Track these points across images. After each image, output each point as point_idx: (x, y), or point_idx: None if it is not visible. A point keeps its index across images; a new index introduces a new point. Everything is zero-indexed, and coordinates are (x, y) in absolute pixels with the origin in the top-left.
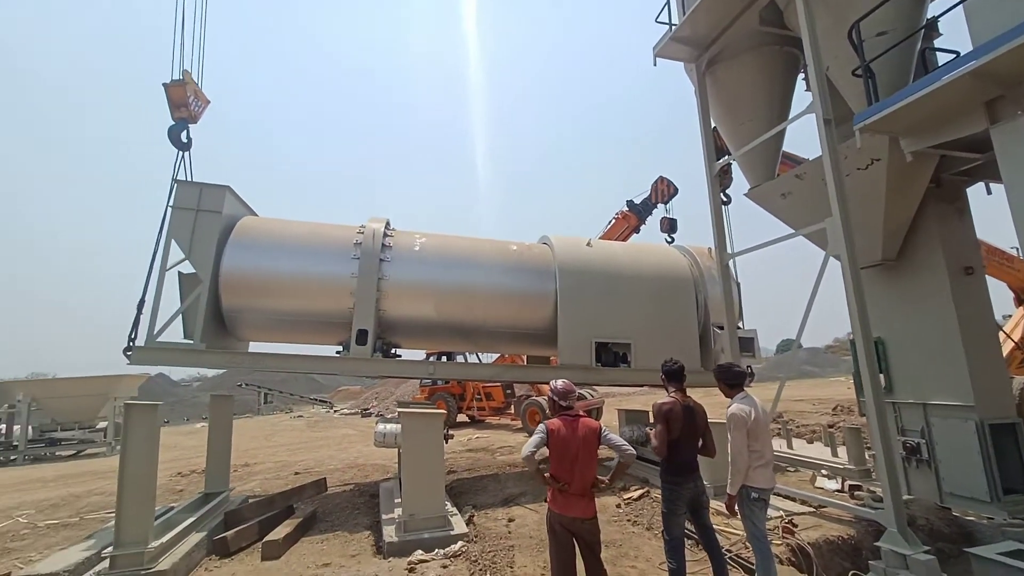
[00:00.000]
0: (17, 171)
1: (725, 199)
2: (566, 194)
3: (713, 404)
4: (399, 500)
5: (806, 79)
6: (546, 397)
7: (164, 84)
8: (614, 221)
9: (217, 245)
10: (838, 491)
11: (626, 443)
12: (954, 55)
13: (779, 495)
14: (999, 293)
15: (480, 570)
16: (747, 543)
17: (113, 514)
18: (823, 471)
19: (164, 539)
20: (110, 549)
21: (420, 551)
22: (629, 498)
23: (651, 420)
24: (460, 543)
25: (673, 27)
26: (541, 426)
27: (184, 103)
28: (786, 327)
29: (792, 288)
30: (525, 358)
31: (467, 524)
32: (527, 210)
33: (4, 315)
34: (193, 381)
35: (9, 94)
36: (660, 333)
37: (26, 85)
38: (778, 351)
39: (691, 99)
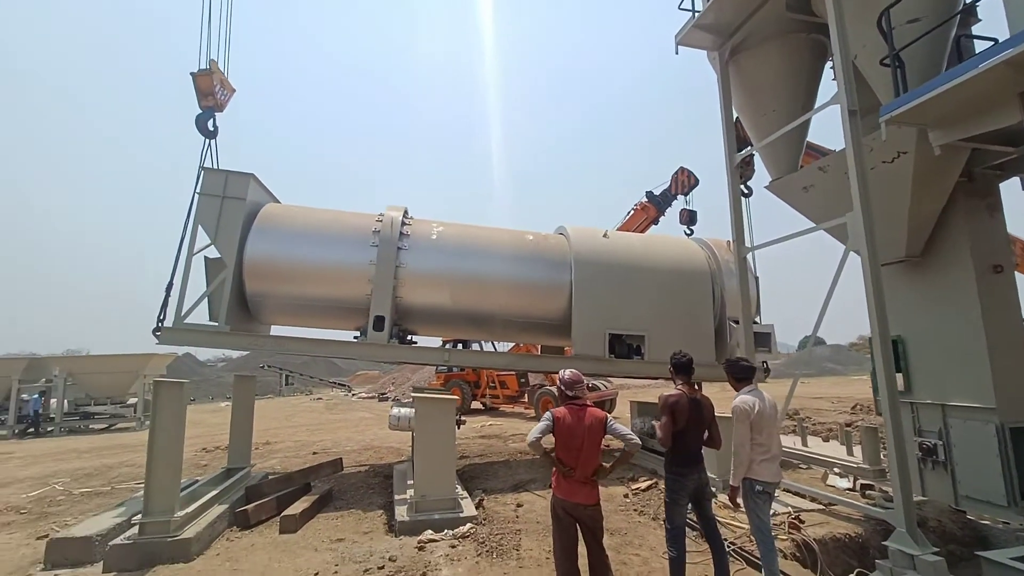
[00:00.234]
0: (47, 167)
1: (746, 191)
2: (583, 186)
3: (730, 399)
4: (411, 482)
5: (834, 68)
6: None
7: (192, 73)
8: (632, 212)
9: (241, 231)
10: (849, 490)
11: (631, 433)
12: (992, 42)
13: (789, 491)
14: None
15: (487, 551)
16: (752, 536)
17: (142, 484)
18: (836, 469)
19: (189, 509)
20: (139, 516)
21: (430, 531)
22: (637, 488)
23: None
24: (469, 525)
25: (696, 14)
26: (548, 414)
27: (211, 92)
28: (809, 324)
29: (818, 284)
30: (539, 348)
31: (476, 507)
32: (542, 203)
33: (42, 297)
34: (218, 361)
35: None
36: (675, 326)
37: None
38: (799, 347)
39: (713, 89)
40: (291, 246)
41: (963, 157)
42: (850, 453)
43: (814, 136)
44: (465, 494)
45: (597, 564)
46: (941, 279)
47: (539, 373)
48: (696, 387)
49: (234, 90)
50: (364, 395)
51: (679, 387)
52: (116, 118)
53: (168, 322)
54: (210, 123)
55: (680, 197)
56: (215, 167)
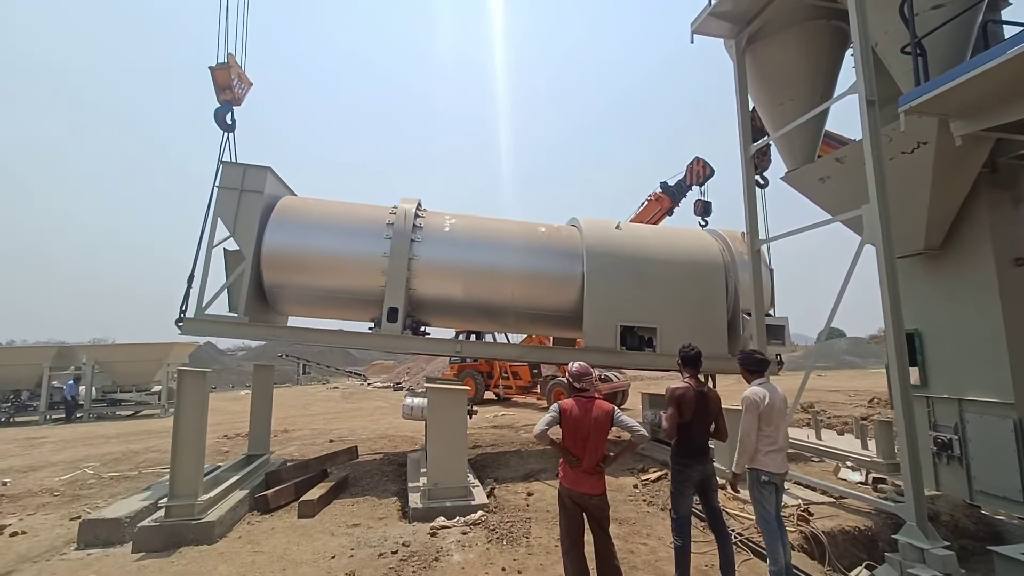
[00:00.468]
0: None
1: (762, 182)
2: (596, 178)
3: (741, 391)
4: (425, 470)
5: (853, 56)
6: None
7: (210, 67)
8: (646, 203)
9: (259, 224)
10: (861, 483)
11: (638, 425)
12: (1022, 27)
13: (799, 484)
14: None
15: (497, 538)
16: (757, 526)
17: (167, 469)
18: (848, 463)
19: (212, 494)
20: (165, 500)
21: (442, 518)
22: (647, 479)
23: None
24: (480, 512)
25: (712, 1)
26: (554, 406)
27: (229, 85)
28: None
29: (839, 277)
30: (551, 339)
31: (488, 496)
32: (554, 194)
33: (70, 288)
34: (238, 351)
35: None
36: (687, 318)
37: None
38: (818, 340)
39: (730, 78)
40: (307, 238)
41: (986, 147)
42: (864, 447)
43: (835, 126)
44: (477, 482)
45: (603, 551)
46: (961, 272)
47: (552, 364)
48: (703, 380)
49: (251, 84)
50: (379, 384)
51: (686, 380)
52: (147, 115)
53: (190, 313)
54: (228, 117)
55: (695, 188)
56: (233, 161)
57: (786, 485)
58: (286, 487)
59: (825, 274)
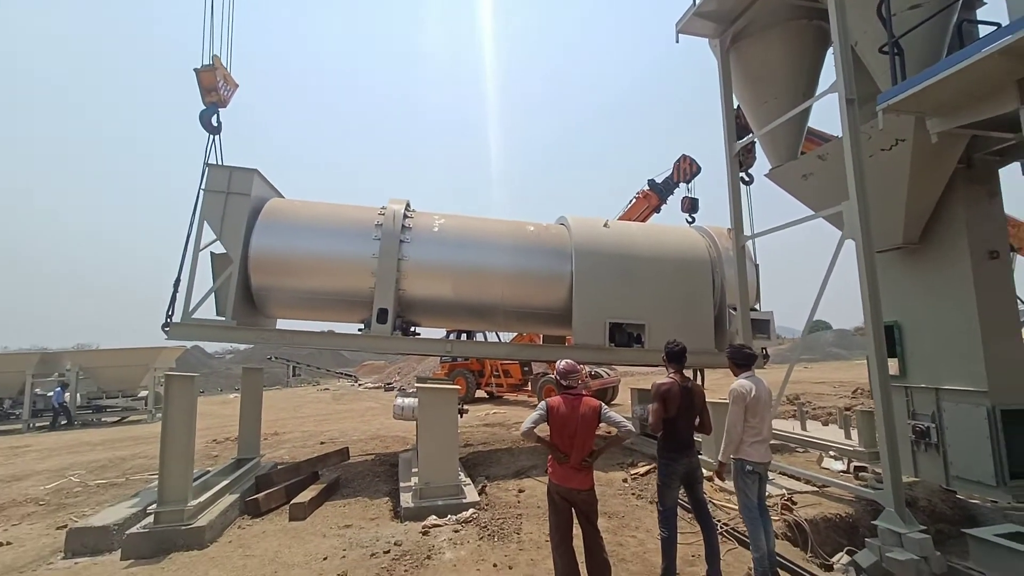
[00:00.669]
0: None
1: (747, 179)
2: (585, 178)
3: (729, 386)
4: (416, 469)
5: (833, 55)
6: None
7: (195, 69)
8: (634, 200)
9: (246, 226)
10: (843, 472)
11: (625, 420)
12: (995, 27)
13: (784, 474)
14: None
15: (489, 535)
16: (740, 514)
17: (155, 475)
18: (831, 452)
19: (202, 499)
20: (154, 506)
21: (434, 516)
22: (636, 473)
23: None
24: (471, 510)
25: (697, 1)
26: (541, 403)
27: (214, 87)
28: (818, 310)
29: (823, 271)
30: (541, 337)
31: (479, 493)
32: (546, 193)
33: (53, 291)
34: (226, 354)
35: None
36: (675, 314)
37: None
38: (803, 334)
39: (716, 77)
40: (295, 240)
41: (962, 144)
42: (847, 437)
43: (818, 123)
44: (468, 481)
45: (592, 545)
46: (938, 265)
47: (543, 362)
48: (686, 375)
49: (237, 85)
50: (370, 385)
51: (671, 375)
52: (126, 116)
53: (176, 317)
54: (214, 119)
55: (682, 185)
56: (219, 163)
57: (771, 475)
58: (277, 490)
59: (810, 269)
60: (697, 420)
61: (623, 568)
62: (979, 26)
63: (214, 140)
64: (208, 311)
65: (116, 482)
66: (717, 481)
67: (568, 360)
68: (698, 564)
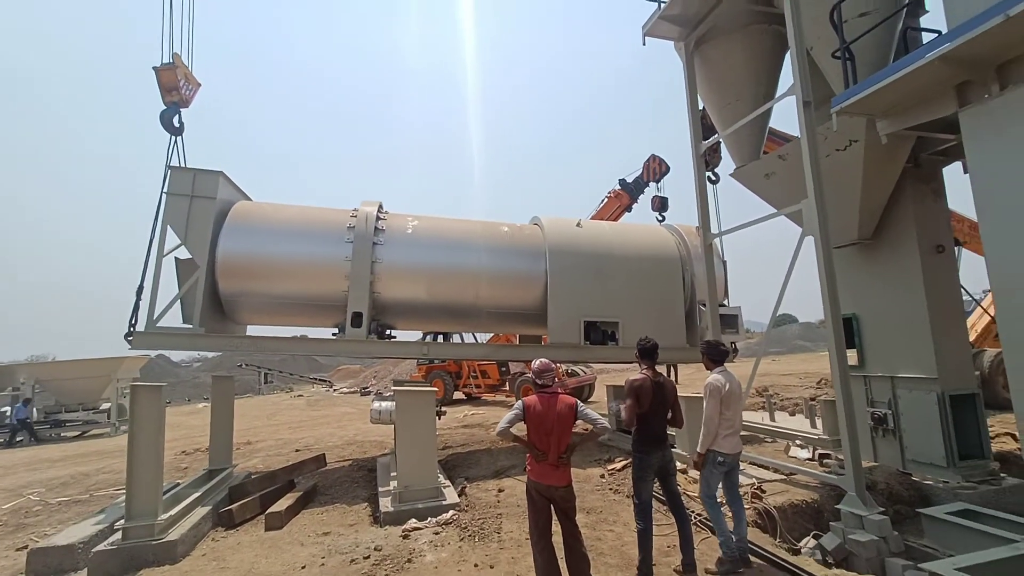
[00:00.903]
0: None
1: (714, 178)
2: (561, 180)
3: (702, 380)
4: (395, 473)
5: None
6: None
7: (154, 68)
8: (606, 200)
9: (213, 230)
10: (809, 459)
11: (600, 417)
12: (936, 34)
13: (754, 464)
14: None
15: (469, 536)
16: (700, 500)
17: (122, 491)
18: (797, 441)
19: (173, 512)
20: (122, 521)
21: (414, 520)
22: (613, 469)
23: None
24: (451, 512)
25: (662, 5)
26: (518, 403)
27: (175, 87)
28: (785, 304)
29: (787, 267)
30: (517, 337)
31: (459, 495)
32: (520, 197)
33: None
34: (194, 362)
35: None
36: (647, 311)
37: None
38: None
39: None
40: (264, 244)
41: (909, 145)
42: (813, 426)
43: (781, 124)
44: (448, 482)
45: (571, 540)
46: (890, 260)
47: (520, 362)
48: (658, 371)
49: (199, 84)
50: (346, 390)
51: (644, 371)
52: (81, 111)
53: (140, 326)
54: (175, 119)
55: (652, 184)
56: (183, 165)
57: (741, 465)
58: (251, 500)
59: (776, 265)
60: (669, 414)
61: (602, 561)
62: (922, 33)
63: (176, 141)
64: (174, 318)
65: (79, 499)
66: (691, 472)
67: (543, 359)
68: (673, 554)
